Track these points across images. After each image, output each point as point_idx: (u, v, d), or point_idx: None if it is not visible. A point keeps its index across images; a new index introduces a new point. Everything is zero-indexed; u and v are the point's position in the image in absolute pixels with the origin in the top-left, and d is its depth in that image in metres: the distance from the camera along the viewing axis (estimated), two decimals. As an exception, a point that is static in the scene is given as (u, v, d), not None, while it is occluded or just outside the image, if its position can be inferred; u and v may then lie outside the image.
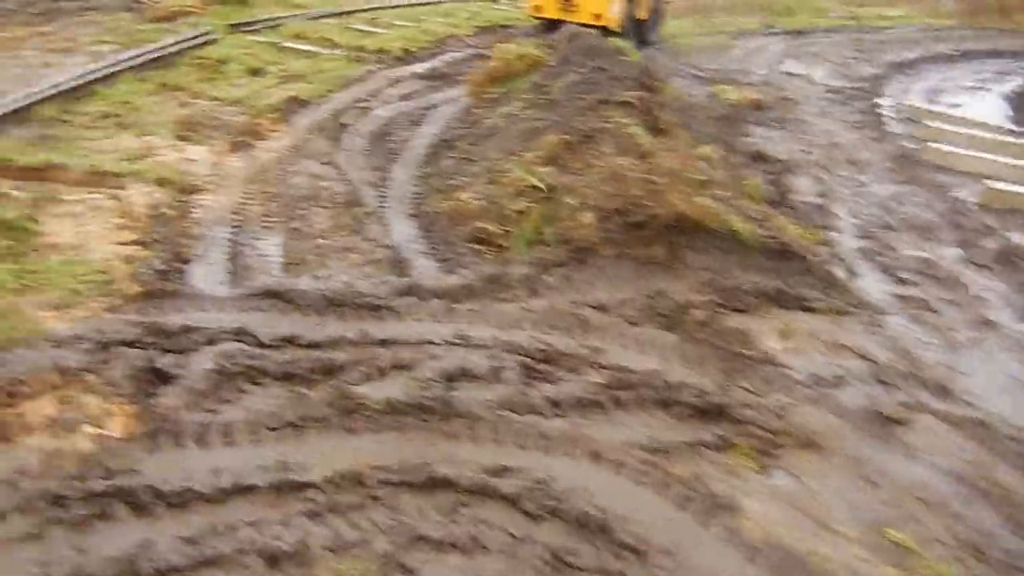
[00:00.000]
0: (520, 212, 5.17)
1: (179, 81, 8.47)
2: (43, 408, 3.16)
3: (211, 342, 3.82)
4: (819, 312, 4.70)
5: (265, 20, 11.70)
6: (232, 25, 11.00)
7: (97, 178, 5.69)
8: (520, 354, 3.95)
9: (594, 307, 4.43)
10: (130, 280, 4.25)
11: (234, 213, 5.49)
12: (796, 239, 5.31)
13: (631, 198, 4.98)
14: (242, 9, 12.39)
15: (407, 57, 11.30)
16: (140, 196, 5.37)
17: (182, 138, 6.82)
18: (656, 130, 5.84)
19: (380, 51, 11.15)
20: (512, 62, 7.93)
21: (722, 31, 18.55)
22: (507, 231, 5.14)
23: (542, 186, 5.19)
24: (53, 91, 7.07)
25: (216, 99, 8.08)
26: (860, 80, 13.95)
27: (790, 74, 13.64)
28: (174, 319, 3.99)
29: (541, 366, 3.87)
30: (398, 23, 13.45)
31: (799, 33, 20.31)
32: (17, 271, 4.19)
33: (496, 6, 17.93)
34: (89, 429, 3.02)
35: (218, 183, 5.95)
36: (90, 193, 5.39)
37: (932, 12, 30.42)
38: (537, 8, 13.30)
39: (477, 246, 5.11)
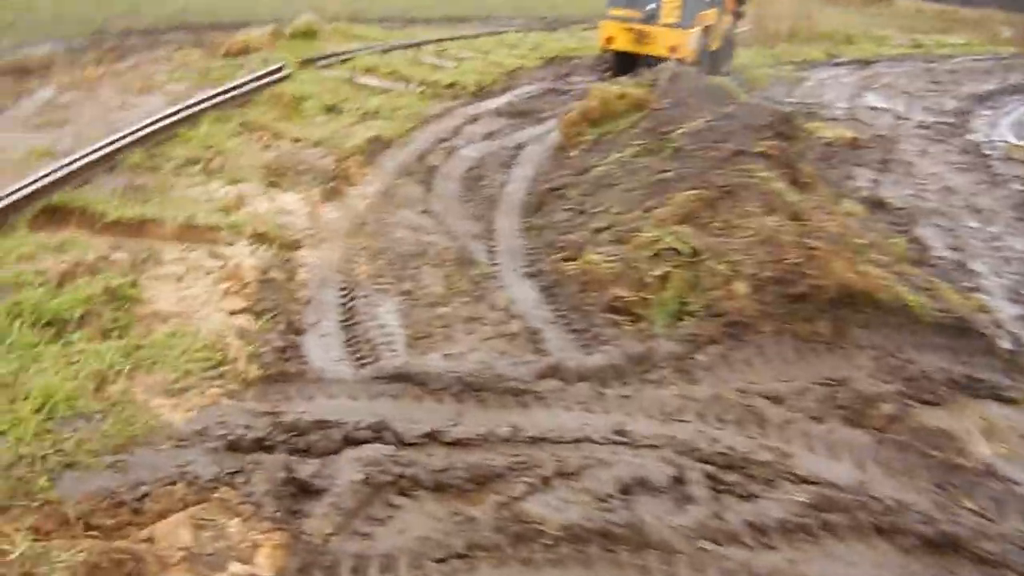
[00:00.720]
0: (660, 278, 4.64)
1: (259, 120, 8.13)
2: (177, 533, 2.69)
3: (349, 440, 3.33)
4: (1018, 403, 4.09)
5: (334, 54, 11.43)
6: (303, 60, 10.73)
7: (193, 232, 5.30)
8: (699, 459, 3.40)
9: (766, 397, 3.88)
10: (246, 360, 3.80)
11: (341, 273, 5.04)
12: (968, 311, 4.71)
13: (789, 266, 4.43)
14: (310, 43, 12.16)
15: (481, 92, 10.92)
16: (242, 255, 4.95)
17: (272, 184, 6.43)
18: (797, 183, 5.30)
19: (453, 86, 10.78)
20: (611, 102, 7.45)
21: (789, 61, 18.01)
22: (646, 299, 4.61)
23: (684, 249, 4.67)
24: (138, 135, 6.75)
25: (298, 140, 7.72)
26: (945, 114, 13.30)
27: (873, 108, 13.02)
28: (303, 409, 3.52)
29: (728, 476, 3.31)
30: (465, 55, 13.12)
31: (865, 63, 19.70)
32: (125, 349, 3.76)
33: (556, 36, 17.60)
34: (237, 568, 2.54)
35: (318, 237, 5.52)
36: (189, 250, 4.99)
37: (991, 40, 29.62)
38: (608, 40, 12.87)
39: (613, 316, 4.60)
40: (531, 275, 5.29)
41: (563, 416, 3.73)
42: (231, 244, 5.20)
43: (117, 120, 7.61)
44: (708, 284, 4.57)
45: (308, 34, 12.23)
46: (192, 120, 7.68)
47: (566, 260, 5.20)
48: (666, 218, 5.05)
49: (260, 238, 5.31)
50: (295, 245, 5.36)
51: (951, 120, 12.70)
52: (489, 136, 8.84)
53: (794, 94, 13.79)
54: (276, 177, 6.58)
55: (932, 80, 17.76)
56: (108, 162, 6.25)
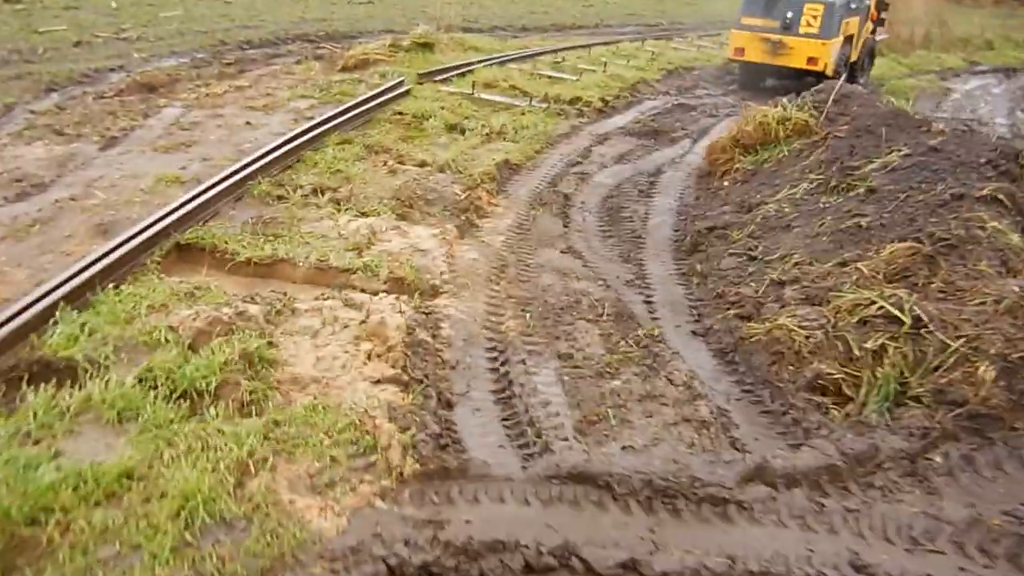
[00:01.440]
0: (873, 352, 3.82)
1: (382, 141, 7.70)
2: None
3: (530, 569, 2.71)
4: None
5: (452, 68, 10.97)
6: (421, 74, 10.31)
7: (326, 275, 4.84)
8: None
9: (1044, 526, 3.02)
10: (400, 450, 3.23)
11: (487, 329, 4.45)
12: None
13: (1050, 347, 3.54)
14: (426, 55, 11.77)
15: (606, 108, 10.21)
16: (381, 307, 4.43)
17: (402, 216, 5.93)
18: (1031, 235, 4.36)
19: (576, 101, 10.13)
20: (770, 127, 6.60)
21: (927, 70, 16.50)
22: (856, 377, 3.80)
23: (905, 318, 3.83)
24: (265, 160, 6.40)
25: (424, 164, 7.23)
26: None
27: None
28: (469, 518, 2.91)
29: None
30: (583, 67, 12.45)
31: (1011, 71, 17.90)
32: (264, 428, 3.26)
33: (672, 46, 16.69)
34: None
35: (457, 283, 4.96)
36: (323, 298, 4.51)
37: None
38: (739, 51, 11.94)
39: (816, 397, 3.81)
40: (700, 335, 4.55)
41: (780, 537, 2.99)
42: (367, 291, 4.71)
43: (243, 141, 7.32)
44: (937, 363, 3.72)
45: (424, 46, 11.84)
46: (317, 142, 7.31)
47: (744, 319, 4.44)
48: (872, 275, 4.21)
49: (397, 283, 4.79)
50: (434, 292, 4.80)
51: None
52: (621, 159, 8.12)
53: (943, 107, 12.44)
54: (405, 208, 6.08)
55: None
56: (236, 191, 5.90)
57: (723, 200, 6.24)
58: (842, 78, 12.57)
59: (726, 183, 6.55)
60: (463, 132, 8.44)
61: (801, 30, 11.28)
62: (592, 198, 6.90)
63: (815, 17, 11.17)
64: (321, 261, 4.93)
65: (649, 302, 4.93)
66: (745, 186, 6.21)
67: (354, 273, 4.88)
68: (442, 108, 9.02)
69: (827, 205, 5.01)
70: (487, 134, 8.38)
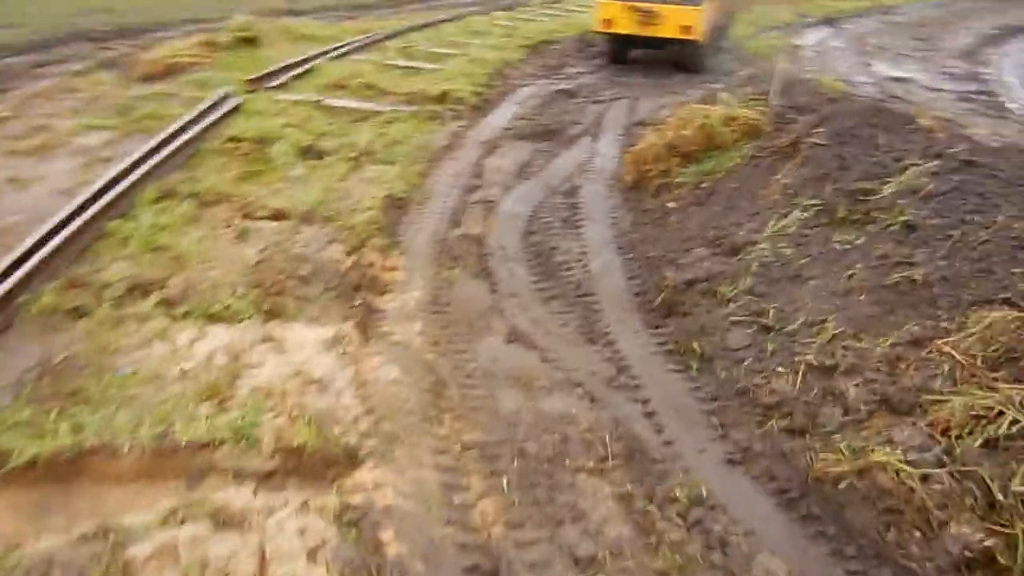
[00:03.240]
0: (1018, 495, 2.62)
1: (218, 186, 5.61)
2: None
3: None
4: None
5: (288, 67, 8.79)
6: (252, 80, 8.09)
7: (170, 461, 2.96)
8: None
9: None
10: None
11: (452, 525, 2.81)
12: None
13: None
14: (252, 52, 9.44)
15: (481, 103, 8.55)
16: (281, 524, 2.66)
17: (271, 313, 4.06)
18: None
19: (445, 97, 8.38)
20: (713, 129, 5.30)
21: (769, 26, 16.13)
22: (1006, 534, 2.59)
23: (1051, 440, 2.65)
24: (45, 251, 4.22)
25: (282, 215, 5.28)
26: (966, 79, 11.70)
27: (895, 79, 11.25)
28: None
29: None
30: (439, 51, 10.65)
31: (834, 21, 18.10)
32: None
33: (522, 17, 15.15)
34: None
35: (382, 432, 3.23)
36: (175, 520, 2.66)
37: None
38: (607, 23, 10.63)
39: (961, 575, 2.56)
40: (737, 462, 3.18)
41: None
42: (246, 477, 2.90)
43: (4, 214, 4.99)
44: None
45: (248, 40, 9.49)
46: (125, 201, 5.14)
47: (797, 434, 3.11)
48: (967, 361, 3.01)
49: (292, 457, 3.01)
50: (351, 459, 3.06)
51: (978, 88, 11.08)
52: (522, 172, 6.55)
53: (801, 65, 11.88)
54: (273, 298, 4.20)
55: (912, 37, 16.28)
56: (5, 311, 3.75)
57: (677, 230, 4.88)
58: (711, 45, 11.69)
59: (671, 204, 5.20)
60: (321, 156, 6.49)
61: (671, -3, 10.13)
62: (510, 238, 5.31)
63: (684, -18, 10.04)
64: (160, 437, 3.03)
65: (652, 416, 3.48)
66: (701, 210, 4.89)
67: (218, 448, 3.04)
68: (288, 125, 6.97)
69: (846, 246, 3.78)
70: (353, 156, 6.49)
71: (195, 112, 6.87)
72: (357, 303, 4.28)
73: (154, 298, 4.07)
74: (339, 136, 6.92)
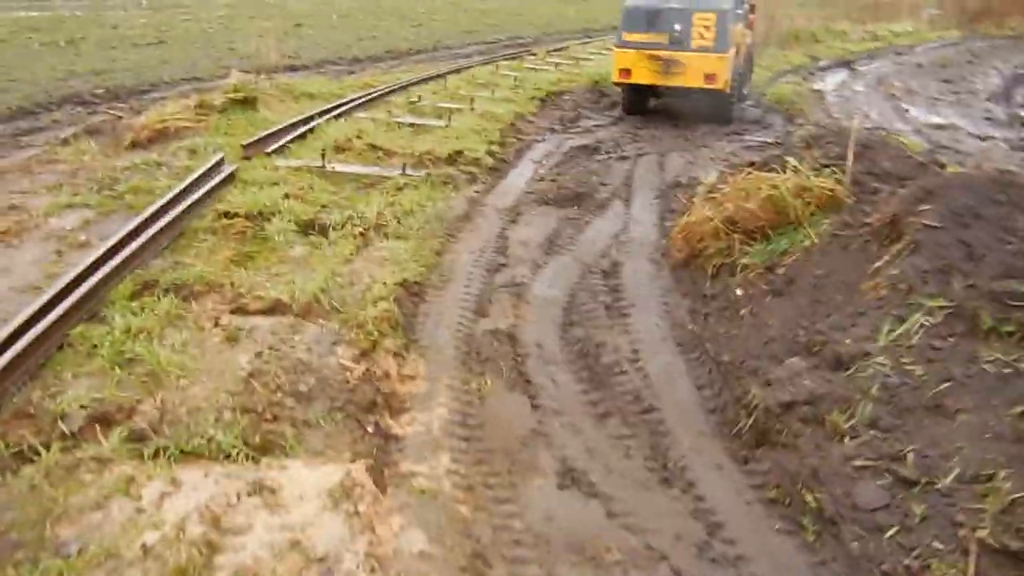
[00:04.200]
0: None
1: (206, 273, 4.84)
2: None
3: None
4: None
5: (286, 128, 8.12)
6: (247, 145, 7.40)
7: None
8: None
9: None
10: None
11: None
12: None
13: None
14: (248, 114, 8.78)
15: (496, 163, 7.86)
16: None
17: (261, 450, 3.24)
18: None
19: (458, 158, 7.68)
20: (783, 202, 4.54)
21: (782, 70, 15.63)
22: None
23: None
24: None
25: (280, 307, 4.50)
26: (1010, 125, 11.06)
27: (936, 126, 10.60)
28: None
29: None
30: (446, 106, 10.02)
31: (849, 64, 17.63)
32: None
33: (529, 66, 14.62)
34: None
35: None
36: None
37: (930, 26, 28.57)
38: (626, 72, 10.03)
39: None
40: None
41: None
42: None
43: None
44: None
45: (244, 101, 8.85)
46: (96, 299, 4.37)
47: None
48: None
49: None
50: None
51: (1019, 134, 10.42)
52: (552, 247, 5.79)
53: (834, 115, 11.25)
54: (267, 425, 3.39)
55: (936, 79, 15.73)
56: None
57: (754, 327, 4.08)
58: (742, 96, 11.09)
59: (739, 292, 4.42)
60: (325, 232, 5.74)
61: (693, 44, 9.54)
62: (547, 332, 4.51)
63: (707, 28, 9.47)
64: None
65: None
66: (782, 303, 4.09)
67: None
68: (287, 196, 6.24)
69: (1006, 370, 2.97)
70: (361, 232, 5.74)
71: (183, 184, 6.15)
72: (370, 430, 3.47)
73: (119, 432, 3.25)
74: (344, 207, 6.18)
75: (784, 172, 4.71)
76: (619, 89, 10.83)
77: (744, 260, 4.61)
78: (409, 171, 7.16)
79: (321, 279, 4.93)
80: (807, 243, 4.43)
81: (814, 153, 4.97)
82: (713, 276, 4.82)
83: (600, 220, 6.35)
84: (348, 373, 3.91)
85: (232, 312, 4.47)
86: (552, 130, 9.66)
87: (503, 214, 6.42)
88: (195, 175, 6.39)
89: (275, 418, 3.48)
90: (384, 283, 4.88)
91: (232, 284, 4.80)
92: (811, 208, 4.48)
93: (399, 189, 6.70)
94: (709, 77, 9.53)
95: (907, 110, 11.67)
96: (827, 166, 4.71)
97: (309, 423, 3.50)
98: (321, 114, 8.89)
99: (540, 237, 5.96)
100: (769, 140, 9.12)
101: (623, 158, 8.26)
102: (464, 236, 5.94)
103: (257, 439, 3.31)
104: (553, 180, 7.34)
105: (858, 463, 2.96)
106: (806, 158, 4.89)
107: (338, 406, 3.63)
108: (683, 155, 8.43)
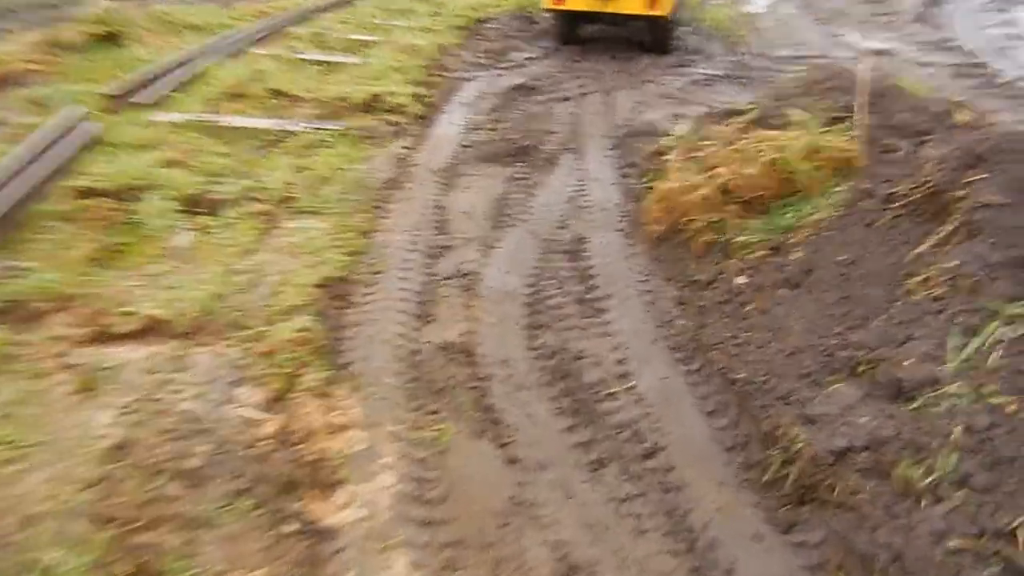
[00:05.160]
0: None
1: (53, 282, 3.55)
2: None
3: None
4: None
5: (165, 71, 6.52)
6: (113, 96, 5.83)
7: None
8: None
9: None
10: None
11: None
12: None
13: None
14: (115, 53, 7.04)
15: (423, 110, 6.58)
16: None
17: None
18: None
19: (378, 104, 6.37)
20: (791, 167, 3.61)
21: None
22: None
23: None
24: None
25: (157, 327, 3.32)
26: (943, 49, 10.49)
27: (877, 53, 9.88)
28: None
29: None
30: (358, 39, 8.52)
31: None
32: None
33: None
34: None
35: None
36: None
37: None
38: (558, -1, 8.74)
39: None
40: None
41: None
42: None
43: None
44: None
45: (108, 37, 7.10)
46: None
47: None
48: None
49: None
50: None
51: (967, 61, 9.85)
52: (501, 218, 4.71)
53: (766, 40, 10.38)
54: (134, 539, 2.31)
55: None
56: None
57: (768, 329, 3.18)
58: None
59: (741, 280, 3.52)
60: (217, 211, 4.47)
61: (634, -33, 8.33)
62: (510, 343, 3.51)
63: (648, -51, 8.25)
64: None
65: None
66: (799, 297, 3.22)
67: None
68: (167, 163, 4.87)
69: None
70: (264, 208, 4.50)
71: (24, 151, 4.67)
72: (289, 528, 2.44)
73: None
74: (241, 175, 4.88)
75: (784, 129, 3.78)
76: (549, 15, 9.55)
77: (741, 238, 3.70)
78: (320, 123, 5.84)
79: (213, 280, 3.75)
80: (817, 216, 3.56)
81: (821, 104, 4.04)
82: (700, 256, 3.90)
83: (552, 178, 5.30)
84: (255, 430, 2.83)
85: (89, 342, 3.26)
86: (480, 65, 8.36)
87: (438, 176, 5.25)
88: (40, 138, 4.90)
89: (151, 524, 2.39)
90: (298, 285, 3.73)
91: (90, 296, 3.55)
92: (823, 173, 3.59)
93: (309, 148, 5.41)
94: (651, 3, 8.39)
95: (842, 35, 10.92)
96: (838, 119, 3.81)
97: (202, 522, 2.43)
98: (209, 52, 7.28)
99: (485, 205, 4.87)
100: (718, 72, 8.18)
101: (565, 99, 7.12)
102: (394, 208, 4.77)
103: (125, 567, 2.23)
104: (491, 129, 6.19)
105: (953, 543, 2.17)
106: (811, 108, 3.96)
107: (244, 488, 2.57)
108: (629, 93, 7.37)
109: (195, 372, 3.12)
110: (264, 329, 3.40)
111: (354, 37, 8.59)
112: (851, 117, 3.78)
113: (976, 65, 9.41)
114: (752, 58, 8.97)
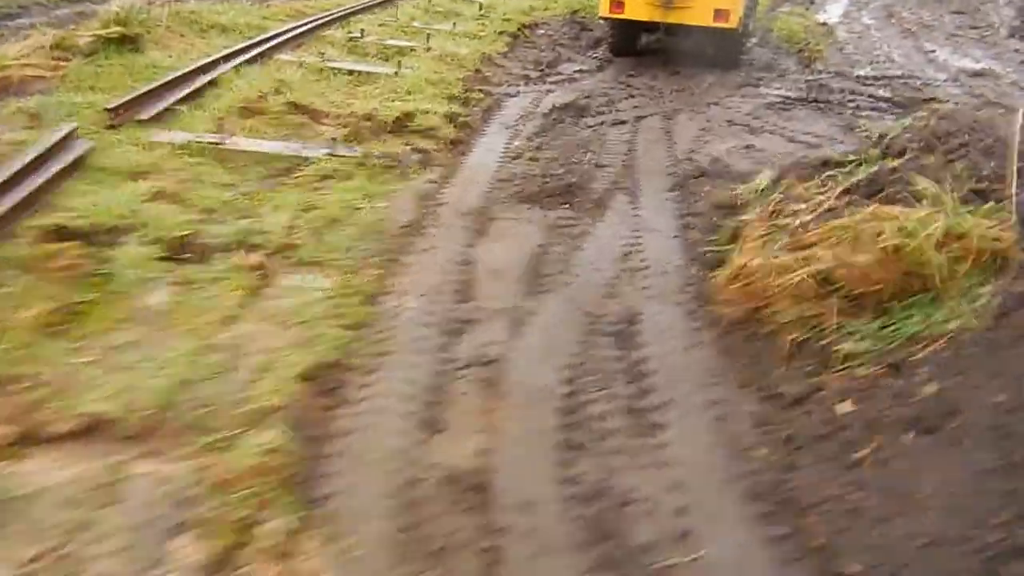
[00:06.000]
0: None
1: (16, 335, 2.89)
2: None
3: None
4: None
5: (176, 80, 5.83)
6: (113, 109, 5.16)
7: None
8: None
9: None
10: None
11: None
12: None
13: None
14: (130, 57, 6.38)
15: (457, 133, 5.77)
16: None
17: None
18: None
19: (406, 124, 5.59)
20: (921, 255, 2.70)
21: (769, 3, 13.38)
22: None
23: None
24: None
25: (97, 430, 2.60)
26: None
27: (974, 74, 8.70)
28: None
29: None
30: (395, 43, 7.76)
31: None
32: None
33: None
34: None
35: None
36: None
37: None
38: (618, 6, 7.86)
39: None
40: None
41: None
42: None
43: None
44: None
45: (125, 39, 6.46)
46: None
47: None
48: None
49: None
50: None
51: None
52: (537, 280, 3.86)
53: (845, 55, 9.28)
54: None
55: (946, 9, 13.71)
56: None
57: (897, 498, 2.27)
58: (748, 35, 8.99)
59: (845, 406, 2.60)
60: (202, 258, 3.74)
61: (701, -25, 7.36)
62: (537, 474, 2.65)
63: (718, -45, 7.28)
64: None
65: None
66: (937, 452, 2.28)
67: None
68: (156, 195, 4.17)
69: None
70: (256, 262, 3.74)
71: (3, 175, 4.01)
72: None
73: None
74: (241, 213, 4.15)
75: (910, 204, 2.84)
76: (604, 24, 8.65)
77: (845, 345, 2.78)
78: (340, 149, 5.07)
79: (181, 361, 3.00)
80: (954, 326, 2.62)
81: (951, 166, 3.07)
82: (787, 360, 3.00)
83: (601, 227, 4.42)
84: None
85: (7, 449, 2.54)
86: (527, 78, 7.51)
87: (467, 220, 4.43)
88: (23, 160, 4.23)
89: None
90: (279, 376, 2.96)
91: (27, 378, 2.84)
92: (962, 267, 2.66)
93: (322, 180, 4.65)
94: (720, 14, 7.43)
95: (933, 51, 9.72)
96: (978, 192, 2.86)
97: None
98: (231, 56, 6.60)
99: (520, 261, 4.03)
100: (793, 94, 7.17)
101: (619, 122, 6.23)
102: (411, 263, 3.97)
103: None
104: (533, 159, 5.34)
105: None
106: (942, 174, 3.00)
107: None
108: (692, 117, 6.45)
109: (127, 508, 2.37)
110: (229, 436, 2.65)
111: (391, 43, 7.83)
112: (999, 191, 2.83)
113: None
114: (831, 77, 7.91)
